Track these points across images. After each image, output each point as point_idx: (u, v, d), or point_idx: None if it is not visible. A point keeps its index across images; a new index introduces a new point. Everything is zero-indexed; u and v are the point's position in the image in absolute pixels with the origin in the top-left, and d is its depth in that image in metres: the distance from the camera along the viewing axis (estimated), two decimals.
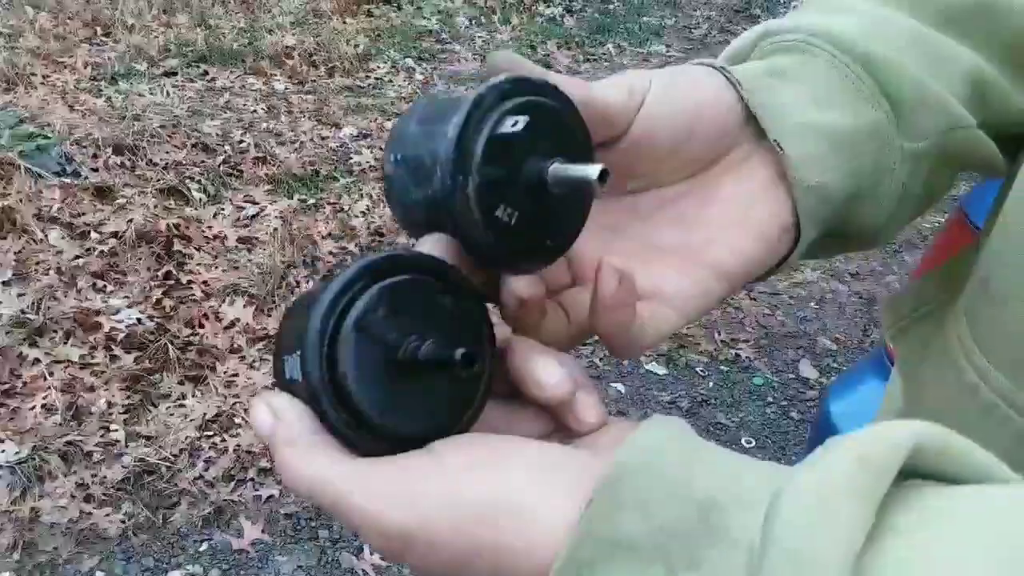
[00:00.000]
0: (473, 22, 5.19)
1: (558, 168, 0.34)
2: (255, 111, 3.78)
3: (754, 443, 2.58)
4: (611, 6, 5.78)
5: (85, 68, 3.89)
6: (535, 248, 0.37)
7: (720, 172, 0.43)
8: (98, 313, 2.57)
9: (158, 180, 3.15)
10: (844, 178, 0.43)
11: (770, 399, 2.73)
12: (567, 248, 0.38)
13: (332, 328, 0.32)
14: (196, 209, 3.08)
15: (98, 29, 4.32)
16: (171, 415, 2.35)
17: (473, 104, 0.34)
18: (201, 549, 2.06)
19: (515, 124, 0.34)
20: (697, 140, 0.42)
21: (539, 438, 0.36)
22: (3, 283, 2.62)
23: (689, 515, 0.27)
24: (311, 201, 3.25)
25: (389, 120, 3.90)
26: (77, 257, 2.77)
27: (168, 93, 3.82)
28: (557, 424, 0.37)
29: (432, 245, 0.36)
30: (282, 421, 0.33)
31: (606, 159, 0.39)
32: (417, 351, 0.33)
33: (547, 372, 0.35)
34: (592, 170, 0.33)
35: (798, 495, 0.25)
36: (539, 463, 0.31)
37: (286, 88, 4.03)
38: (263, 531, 2.11)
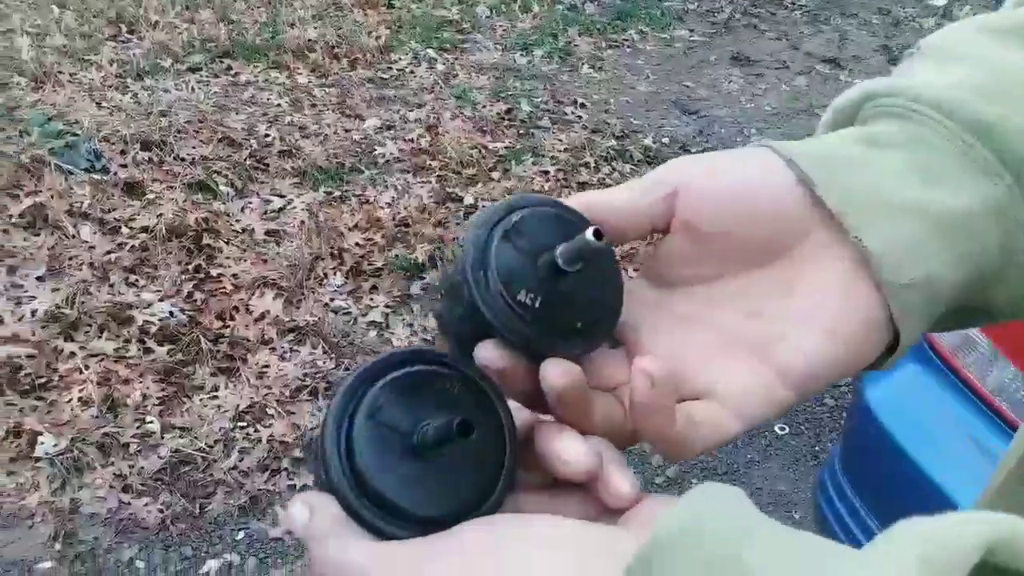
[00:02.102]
0: (493, 11, 5.17)
1: (564, 247, 0.37)
2: (279, 105, 3.80)
3: (788, 429, 2.56)
4: None
5: (111, 65, 3.93)
6: (566, 330, 0.38)
7: (799, 260, 0.39)
8: (131, 307, 2.60)
9: (186, 175, 3.18)
10: (956, 266, 0.38)
11: None
12: (604, 332, 0.40)
13: (347, 422, 0.35)
14: (224, 203, 3.10)
15: (123, 27, 4.35)
16: (205, 406, 2.37)
17: (490, 213, 0.39)
18: (238, 538, 2.09)
19: (519, 221, 0.38)
20: (755, 225, 0.39)
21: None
22: (38, 278, 2.65)
23: None
24: (337, 193, 3.26)
25: (412, 111, 3.91)
26: (109, 252, 2.80)
27: (193, 89, 3.85)
28: (599, 506, 0.36)
29: (481, 349, 0.37)
30: (315, 515, 0.34)
31: (661, 250, 0.41)
32: (427, 440, 0.34)
33: (569, 447, 0.35)
34: (587, 232, 0.35)
35: None
36: (556, 540, 0.31)
37: (309, 81, 4.05)
38: None
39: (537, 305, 0.37)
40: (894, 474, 1.69)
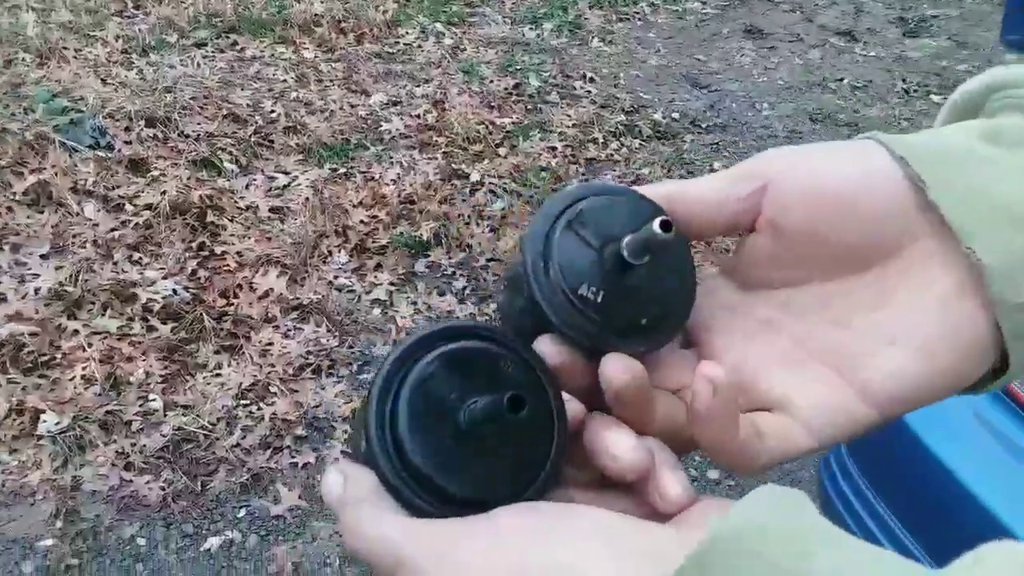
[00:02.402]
0: None
1: (630, 238, 0.35)
2: (285, 80, 3.77)
3: None
4: None
5: (116, 41, 3.91)
6: (630, 327, 0.36)
7: (899, 269, 0.35)
8: (134, 285, 2.59)
9: (190, 152, 3.16)
10: None
11: None
12: (671, 331, 0.37)
13: (394, 390, 0.33)
14: (228, 180, 3.08)
15: (128, 2, 4.32)
16: (208, 384, 2.37)
17: (556, 200, 0.37)
18: (239, 515, 2.09)
19: (586, 209, 0.37)
20: (851, 228, 0.35)
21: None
22: (41, 256, 2.65)
23: None
24: (342, 170, 3.23)
25: (419, 86, 3.86)
26: (113, 230, 2.80)
27: (199, 64, 3.82)
28: (648, 509, 0.34)
29: (540, 343, 0.36)
30: (351, 483, 0.33)
31: (745, 248, 0.38)
32: (475, 416, 0.33)
33: (620, 442, 0.33)
34: (655, 223, 0.33)
35: None
36: (598, 529, 0.29)
37: (315, 56, 4.01)
38: (300, 497, 2.13)
39: (599, 300, 0.35)
40: (899, 453, 1.66)
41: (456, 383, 0.34)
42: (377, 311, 2.70)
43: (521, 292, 0.36)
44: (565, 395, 0.36)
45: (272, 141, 3.34)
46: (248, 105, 3.50)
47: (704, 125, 3.95)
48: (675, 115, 3.99)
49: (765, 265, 0.38)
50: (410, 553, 0.30)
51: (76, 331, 2.44)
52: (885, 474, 1.71)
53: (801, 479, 2.32)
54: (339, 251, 2.88)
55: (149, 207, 2.87)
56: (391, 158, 3.35)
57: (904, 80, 4.49)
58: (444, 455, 0.33)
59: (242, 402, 2.33)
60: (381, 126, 3.53)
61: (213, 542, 2.02)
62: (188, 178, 2.99)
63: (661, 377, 0.37)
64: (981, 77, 0.40)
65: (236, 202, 2.98)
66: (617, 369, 0.34)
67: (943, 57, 4.75)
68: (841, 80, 4.47)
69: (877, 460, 1.74)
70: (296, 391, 2.38)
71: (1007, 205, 0.33)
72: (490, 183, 3.26)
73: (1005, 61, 0.42)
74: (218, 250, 2.77)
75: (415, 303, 2.74)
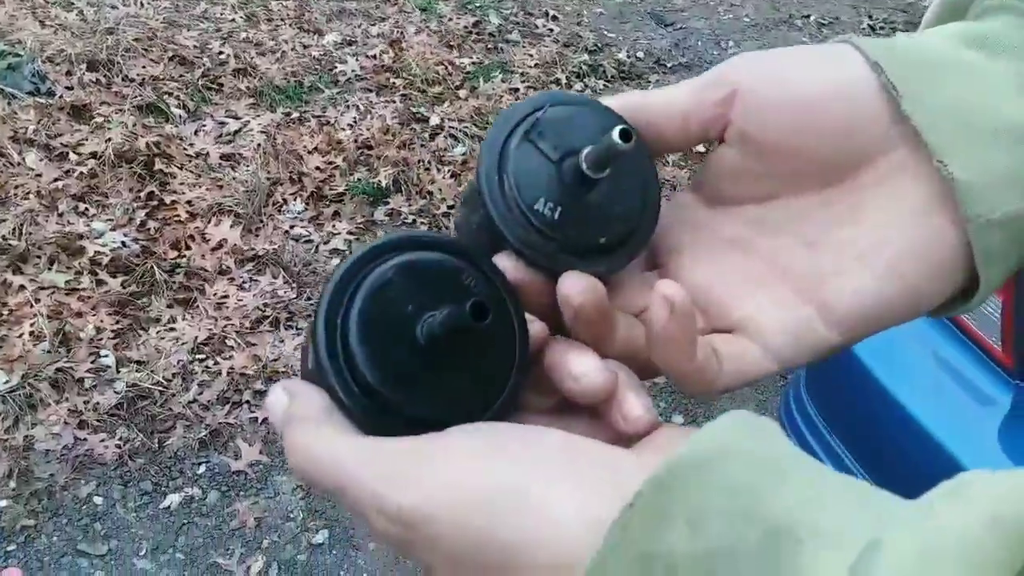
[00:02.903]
0: None
1: (589, 150, 0.33)
2: (233, 20, 3.61)
3: None
4: None
5: None
6: (589, 246, 0.34)
7: (871, 184, 0.34)
8: (81, 237, 2.50)
9: (135, 96, 3.03)
10: None
11: None
12: (633, 250, 0.36)
13: (346, 300, 0.31)
14: (176, 126, 2.97)
15: None
16: (162, 339, 2.31)
17: (512, 110, 0.35)
18: (199, 472, 2.06)
19: (544, 119, 0.34)
20: (824, 140, 0.33)
21: None
22: None
23: (750, 540, 0.22)
24: (295, 114, 3.13)
25: (374, 25, 3.73)
26: (56, 180, 2.68)
27: (142, 4, 3.64)
28: (610, 433, 0.32)
29: (498, 260, 0.34)
30: (295, 401, 0.31)
31: (712, 162, 0.36)
32: (426, 330, 0.31)
33: (582, 363, 0.32)
34: (614, 133, 0.31)
35: (901, 557, 0.19)
36: (556, 450, 0.28)
37: None
38: (261, 452, 2.10)
39: (556, 217, 0.34)
40: (858, 393, 1.67)
41: (414, 294, 0.32)
42: (336, 261, 2.64)
43: (476, 207, 0.34)
44: (527, 316, 0.34)
45: (221, 84, 3.21)
46: (195, 47, 3.36)
47: (669, 64, 3.88)
48: (640, 54, 3.92)
49: (733, 179, 0.36)
50: (356, 474, 0.28)
51: (22, 286, 2.36)
52: (844, 414, 1.73)
53: None
54: (294, 199, 2.80)
55: (94, 155, 2.75)
56: (347, 101, 3.24)
57: (870, 16, 4.44)
58: (399, 370, 0.31)
59: (198, 357, 2.28)
60: (336, 67, 3.41)
61: (173, 499, 1.99)
62: (134, 124, 2.87)
63: (623, 299, 0.36)
64: None
65: (185, 149, 2.87)
66: (576, 287, 0.32)
67: None
68: (807, 17, 4.40)
69: (836, 400, 1.76)
70: (254, 344, 2.33)
71: (984, 118, 0.32)
72: (450, 127, 3.18)
73: None
74: (168, 199, 2.67)
75: None
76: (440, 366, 0.31)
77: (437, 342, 0.31)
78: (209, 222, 2.62)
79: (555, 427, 0.31)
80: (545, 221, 0.33)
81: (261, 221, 2.68)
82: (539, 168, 0.34)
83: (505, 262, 0.34)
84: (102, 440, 2.07)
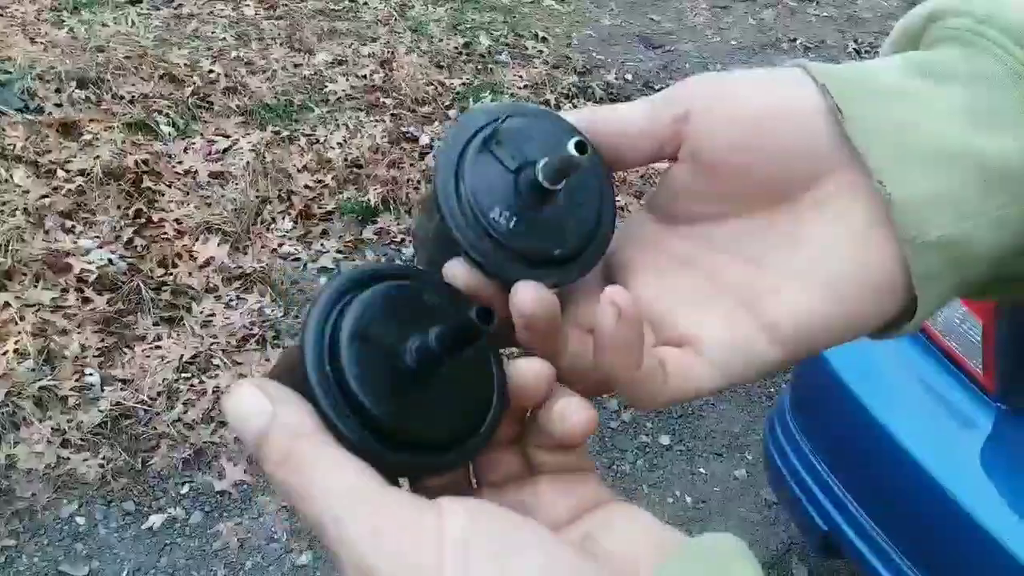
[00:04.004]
0: None
1: (546, 161, 0.33)
2: (224, 39, 3.62)
3: None
4: None
5: None
6: (541, 258, 0.34)
7: (814, 204, 0.34)
8: (68, 254, 2.49)
9: (125, 114, 3.03)
10: (999, 227, 0.32)
11: None
12: (585, 265, 0.36)
13: (330, 333, 0.31)
14: (165, 144, 2.97)
15: None
16: (147, 357, 2.30)
17: (472, 116, 0.35)
18: (182, 492, 2.04)
19: (504, 128, 0.35)
20: (772, 160, 0.34)
21: (553, 523, 0.32)
22: None
23: None
24: (285, 133, 3.13)
25: (365, 45, 3.75)
26: (44, 196, 2.68)
27: (133, 22, 3.65)
28: (576, 493, 0.33)
29: (450, 266, 0.34)
30: (284, 409, 0.29)
31: (666, 180, 0.37)
32: (420, 350, 0.31)
33: (526, 364, 0.32)
34: (570, 145, 0.31)
35: None
36: (555, 570, 0.27)
37: (256, 13, 3.86)
38: (245, 472, 2.09)
39: (511, 225, 0.34)
40: (842, 415, 1.68)
41: (398, 320, 0.32)
42: (324, 280, 2.64)
43: (432, 214, 0.35)
44: None
45: (211, 103, 3.22)
46: (186, 65, 3.37)
47: (657, 87, 3.91)
48: (628, 76, 3.95)
49: (685, 198, 0.37)
50: (346, 515, 0.27)
51: (7, 303, 2.34)
52: (828, 436, 1.73)
53: (749, 443, 2.35)
54: (283, 218, 2.80)
55: (82, 172, 2.75)
56: (337, 120, 3.25)
57: (856, 40, 4.50)
58: (390, 393, 0.31)
59: (183, 375, 2.27)
60: (326, 87, 3.43)
61: (155, 520, 1.98)
62: (123, 142, 2.87)
63: (576, 314, 0.36)
64: (922, 6, 0.38)
65: (174, 167, 2.87)
66: (528, 297, 0.32)
67: (895, 16, 4.76)
68: (794, 40, 4.46)
69: (820, 422, 1.76)
70: (240, 363, 2.32)
71: (925, 141, 0.32)
72: (440, 146, 3.20)
73: None
74: (155, 217, 2.67)
75: None
76: (428, 389, 0.32)
77: (428, 364, 0.31)
78: (197, 240, 2.62)
79: (519, 499, 0.33)
80: (500, 230, 0.34)
81: (249, 239, 2.68)
82: (496, 177, 0.34)
83: (457, 268, 0.34)
84: (85, 459, 2.05)
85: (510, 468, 0.35)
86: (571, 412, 0.32)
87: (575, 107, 3.62)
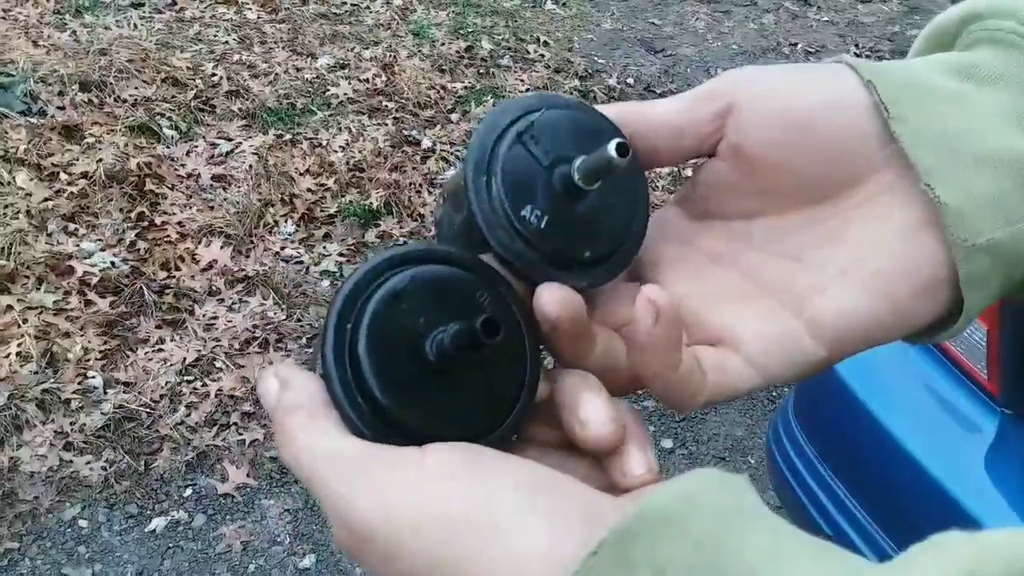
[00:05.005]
0: None
1: (583, 160, 0.32)
2: (227, 42, 3.63)
3: None
4: None
5: (48, 1, 3.72)
6: (571, 260, 0.33)
7: (858, 202, 0.34)
8: (70, 257, 2.50)
9: (127, 117, 3.04)
10: None
11: None
12: (615, 269, 0.35)
13: (356, 311, 0.30)
14: (168, 147, 2.97)
15: None
16: (150, 360, 2.30)
17: (506, 108, 0.34)
18: (185, 495, 2.04)
19: (539, 122, 0.33)
20: (815, 156, 0.33)
21: None
22: None
23: None
24: (287, 136, 3.14)
25: (367, 48, 3.76)
26: (46, 199, 2.68)
27: (135, 25, 3.65)
28: (605, 479, 0.31)
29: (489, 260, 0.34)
30: (289, 390, 0.31)
31: (701, 175, 0.36)
32: (439, 344, 0.30)
33: (594, 408, 0.30)
34: (610, 146, 0.30)
35: None
36: (529, 485, 0.27)
37: (258, 17, 3.87)
38: (248, 475, 2.09)
39: (542, 225, 0.33)
40: (846, 419, 1.68)
41: (425, 309, 0.31)
42: (326, 283, 2.64)
43: (460, 207, 0.33)
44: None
45: (214, 106, 3.22)
46: (188, 68, 3.37)
47: (659, 91, 3.92)
48: (630, 80, 3.96)
49: (722, 194, 0.36)
50: (326, 473, 0.28)
51: (10, 306, 2.34)
52: (831, 440, 1.73)
53: (752, 447, 2.35)
54: (285, 221, 2.80)
55: (84, 175, 2.75)
56: (339, 124, 3.26)
57: (857, 45, 4.51)
58: (406, 385, 0.30)
59: (186, 378, 2.27)
60: (328, 90, 3.43)
61: (158, 523, 1.97)
62: (125, 145, 2.88)
63: (604, 312, 0.35)
64: (957, 7, 0.37)
65: (176, 170, 2.87)
66: (552, 299, 0.31)
67: (895, 22, 4.77)
68: (795, 45, 4.47)
69: (823, 426, 1.76)
70: (242, 366, 2.32)
71: (969, 144, 0.32)
72: (442, 150, 3.20)
73: None
74: (158, 220, 2.67)
75: None
76: (448, 384, 0.31)
77: (446, 359, 0.30)
78: (199, 243, 2.62)
79: (554, 464, 0.30)
80: (530, 229, 0.32)
81: (252, 242, 2.68)
82: (529, 173, 0.33)
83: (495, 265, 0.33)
84: (88, 462, 2.05)
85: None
86: (635, 473, 0.30)
87: None
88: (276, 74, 3.47)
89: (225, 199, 2.79)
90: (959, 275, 0.32)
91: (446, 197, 0.36)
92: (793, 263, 0.34)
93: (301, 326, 2.48)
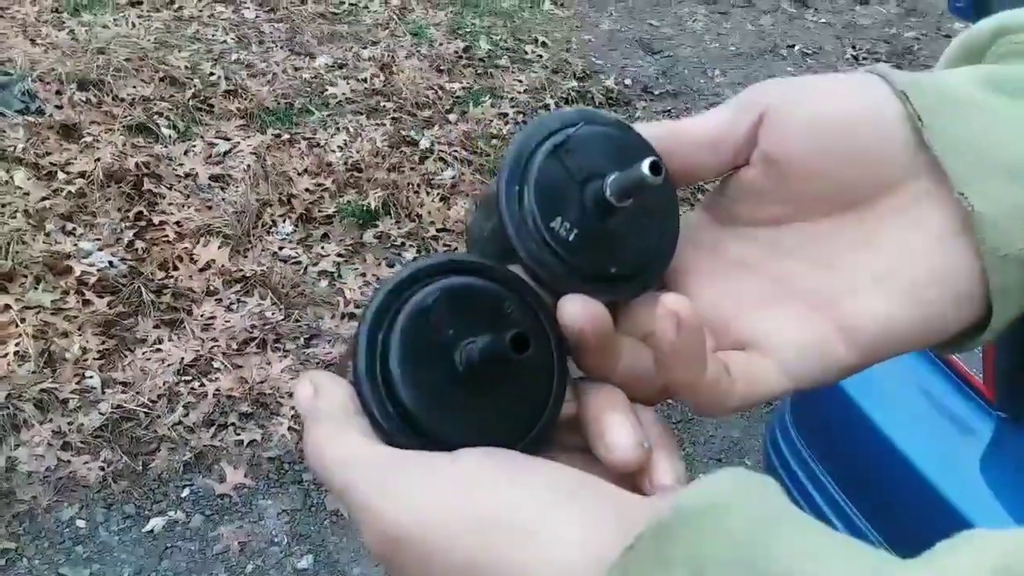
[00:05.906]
0: None
1: (616, 176, 0.33)
2: (225, 41, 3.63)
3: None
4: None
5: None
6: (598, 275, 0.34)
7: (889, 210, 0.34)
8: (68, 256, 2.49)
9: (125, 116, 3.03)
10: None
11: None
12: (641, 286, 0.35)
13: (388, 321, 0.31)
14: (166, 146, 2.97)
15: None
16: (148, 360, 2.30)
17: (543, 121, 0.34)
18: (183, 495, 2.04)
19: (575, 137, 0.34)
20: (847, 165, 0.34)
21: None
22: None
23: None
24: (285, 136, 3.14)
25: (366, 48, 3.76)
26: (44, 199, 2.68)
27: (133, 24, 3.65)
28: (630, 484, 0.32)
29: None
30: (321, 396, 0.31)
31: (731, 183, 0.36)
32: (467, 356, 0.31)
33: (619, 434, 0.31)
34: (644, 164, 0.31)
35: None
36: (561, 487, 0.27)
37: (257, 16, 3.86)
38: (246, 475, 2.09)
39: (571, 238, 0.33)
40: (842, 422, 1.69)
41: (455, 319, 0.31)
42: (324, 283, 2.64)
43: (491, 215, 0.34)
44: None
45: (212, 105, 3.22)
46: (186, 67, 3.37)
47: (656, 92, 3.92)
48: (627, 81, 3.96)
49: (752, 201, 0.36)
50: (355, 478, 0.28)
51: (8, 306, 2.34)
52: (828, 443, 1.74)
53: (748, 449, 2.36)
54: (284, 221, 2.80)
55: (83, 175, 2.75)
56: (337, 124, 3.26)
57: (854, 47, 4.51)
58: (436, 394, 0.31)
59: (184, 378, 2.27)
60: (327, 90, 3.43)
61: (156, 523, 1.98)
62: (123, 144, 2.87)
63: (630, 322, 0.35)
64: (987, 21, 0.38)
65: (174, 169, 2.87)
66: (576, 312, 0.32)
67: (893, 24, 4.78)
68: (792, 47, 4.47)
69: (820, 429, 1.77)
70: (240, 366, 2.32)
71: (1003, 155, 0.32)
72: (440, 151, 3.20)
73: (953, 31, 0.40)
74: (156, 220, 2.67)
75: (363, 275, 2.68)
76: (476, 393, 0.31)
77: (475, 370, 0.31)
78: (197, 243, 2.62)
79: (581, 466, 0.31)
80: (560, 241, 0.33)
81: (250, 242, 2.68)
82: (561, 186, 0.33)
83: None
84: (86, 462, 2.05)
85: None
86: (663, 483, 0.31)
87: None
88: (274, 74, 3.47)
89: (223, 199, 2.79)
90: (989, 284, 0.32)
91: (479, 204, 0.37)
92: (824, 269, 0.35)
93: (299, 326, 2.48)
